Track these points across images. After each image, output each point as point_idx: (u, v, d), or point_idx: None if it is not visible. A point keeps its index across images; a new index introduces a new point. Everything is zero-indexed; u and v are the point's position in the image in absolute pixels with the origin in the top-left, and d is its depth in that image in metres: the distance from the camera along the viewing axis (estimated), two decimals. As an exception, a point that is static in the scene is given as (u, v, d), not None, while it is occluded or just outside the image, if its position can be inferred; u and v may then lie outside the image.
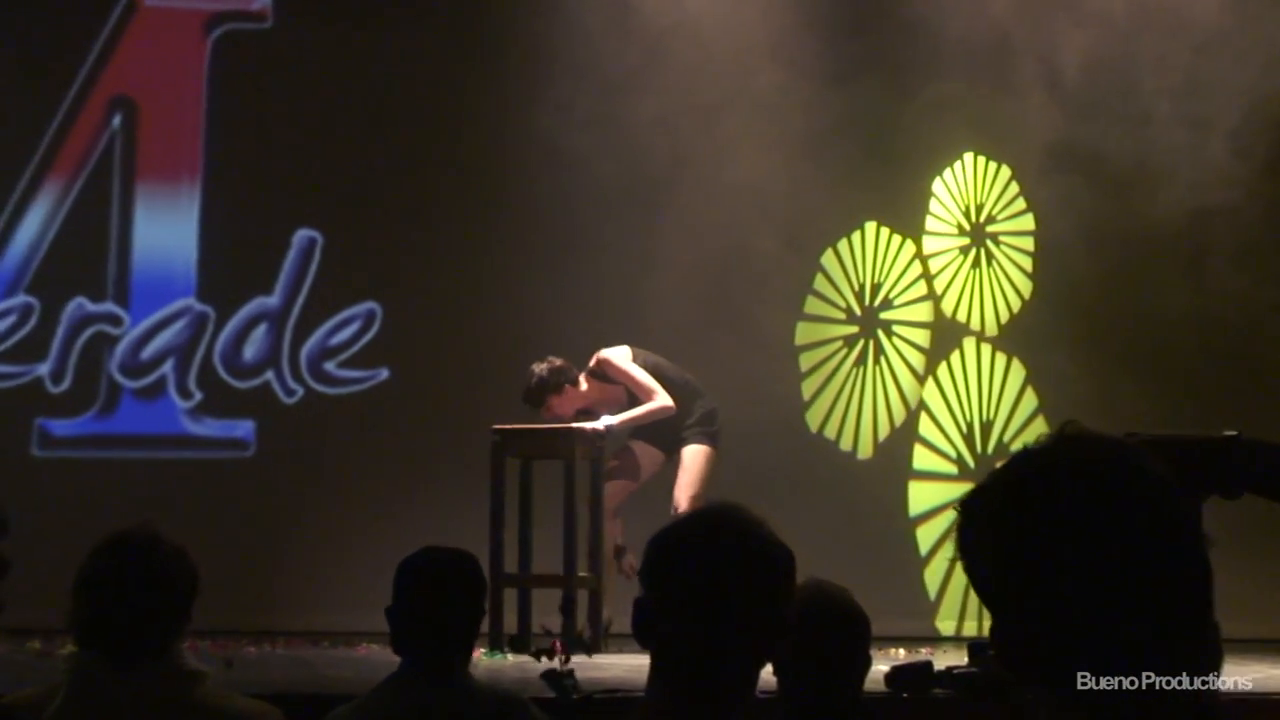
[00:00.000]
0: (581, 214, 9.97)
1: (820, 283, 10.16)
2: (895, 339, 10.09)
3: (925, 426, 9.95)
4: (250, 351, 10.30)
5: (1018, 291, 9.98)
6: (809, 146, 9.90)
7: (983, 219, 10.02)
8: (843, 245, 10.15)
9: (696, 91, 9.98)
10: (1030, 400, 9.95)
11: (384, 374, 10.34)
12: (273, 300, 10.35)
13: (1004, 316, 9.94)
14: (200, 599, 3.29)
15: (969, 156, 10.06)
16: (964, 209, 9.99)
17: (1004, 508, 1.63)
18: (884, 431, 9.99)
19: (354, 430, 10.15)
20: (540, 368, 8.26)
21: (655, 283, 9.81)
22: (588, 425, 8.08)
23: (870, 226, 10.12)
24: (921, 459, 9.95)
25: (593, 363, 8.36)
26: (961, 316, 9.91)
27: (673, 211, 9.92)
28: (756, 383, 9.59)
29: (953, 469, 9.87)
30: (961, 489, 8.36)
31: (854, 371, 10.04)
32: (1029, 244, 10.07)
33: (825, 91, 9.89)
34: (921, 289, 10.00)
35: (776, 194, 9.85)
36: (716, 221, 9.87)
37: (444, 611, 3.71)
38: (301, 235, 10.38)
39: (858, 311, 10.13)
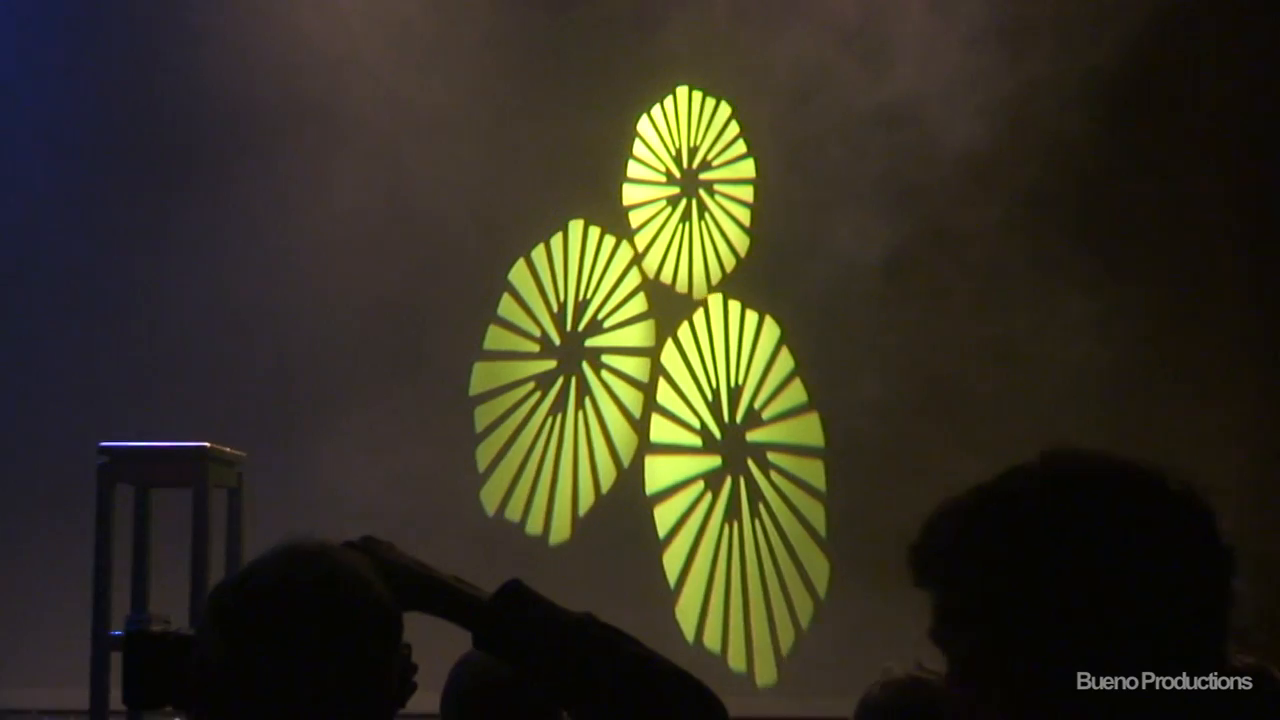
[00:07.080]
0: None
1: (507, 306, 8.87)
2: (606, 374, 8.90)
3: (664, 394, 8.85)
4: None
5: (732, 248, 9.00)
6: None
7: (696, 164, 9.08)
8: (538, 253, 8.89)
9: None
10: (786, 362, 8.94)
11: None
12: None
13: (715, 275, 8.94)
14: None
15: (682, 91, 9.09)
16: (674, 152, 9.09)
17: (1028, 521, 1.70)
18: (587, 503, 8.74)
19: None
20: None
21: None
22: None
23: (576, 226, 8.90)
24: (661, 430, 8.83)
25: None
26: (666, 276, 8.91)
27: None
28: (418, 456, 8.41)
29: (696, 440, 8.81)
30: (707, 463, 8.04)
31: (550, 423, 8.79)
32: (748, 193, 9.03)
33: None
34: (640, 305, 8.91)
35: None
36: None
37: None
38: None
39: (557, 340, 8.90)
